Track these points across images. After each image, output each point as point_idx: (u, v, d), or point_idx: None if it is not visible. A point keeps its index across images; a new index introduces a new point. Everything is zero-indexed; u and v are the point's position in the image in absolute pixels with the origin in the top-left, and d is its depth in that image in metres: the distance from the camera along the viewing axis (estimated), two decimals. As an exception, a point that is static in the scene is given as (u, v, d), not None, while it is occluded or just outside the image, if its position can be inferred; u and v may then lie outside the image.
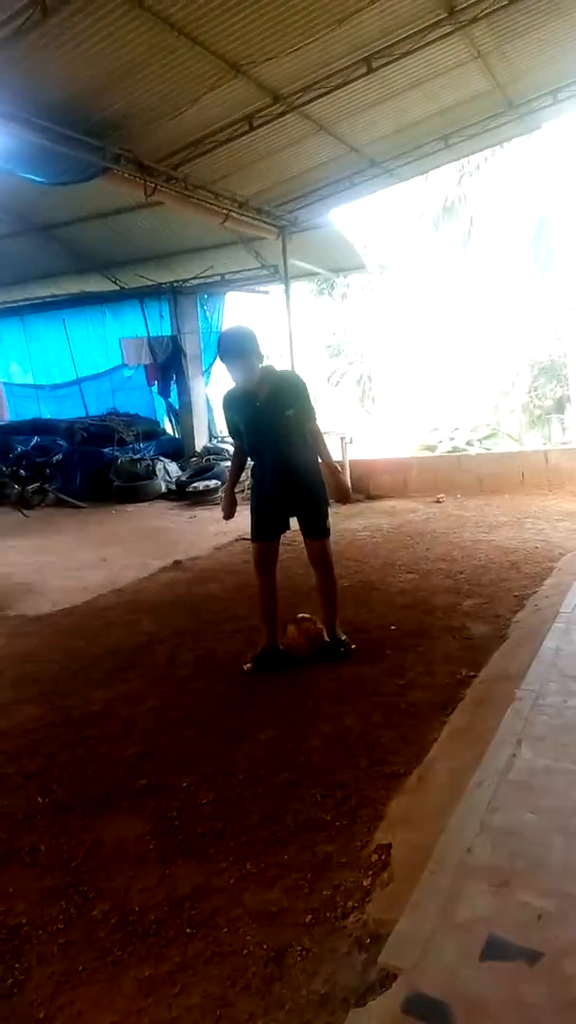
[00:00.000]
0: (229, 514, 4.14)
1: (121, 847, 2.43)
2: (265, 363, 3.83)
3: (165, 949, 1.97)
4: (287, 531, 4.02)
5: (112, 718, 3.45)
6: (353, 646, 3.99)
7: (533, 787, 2.37)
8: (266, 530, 3.96)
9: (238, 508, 4.18)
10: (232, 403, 3.92)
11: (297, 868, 2.24)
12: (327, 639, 3.98)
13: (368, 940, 1.88)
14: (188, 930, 2.03)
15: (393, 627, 4.37)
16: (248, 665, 3.88)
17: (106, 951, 1.98)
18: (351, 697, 3.45)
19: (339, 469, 4.02)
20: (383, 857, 2.23)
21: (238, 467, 4.20)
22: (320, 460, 3.90)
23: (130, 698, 3.66)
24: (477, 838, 2.14)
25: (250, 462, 4.09)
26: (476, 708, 3.21)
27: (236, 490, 4.21)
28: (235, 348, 3.69)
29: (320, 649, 3.94)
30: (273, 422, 3.76)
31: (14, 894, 2.25)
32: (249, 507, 4.04)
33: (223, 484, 10.26)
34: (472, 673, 3.61)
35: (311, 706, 3.39)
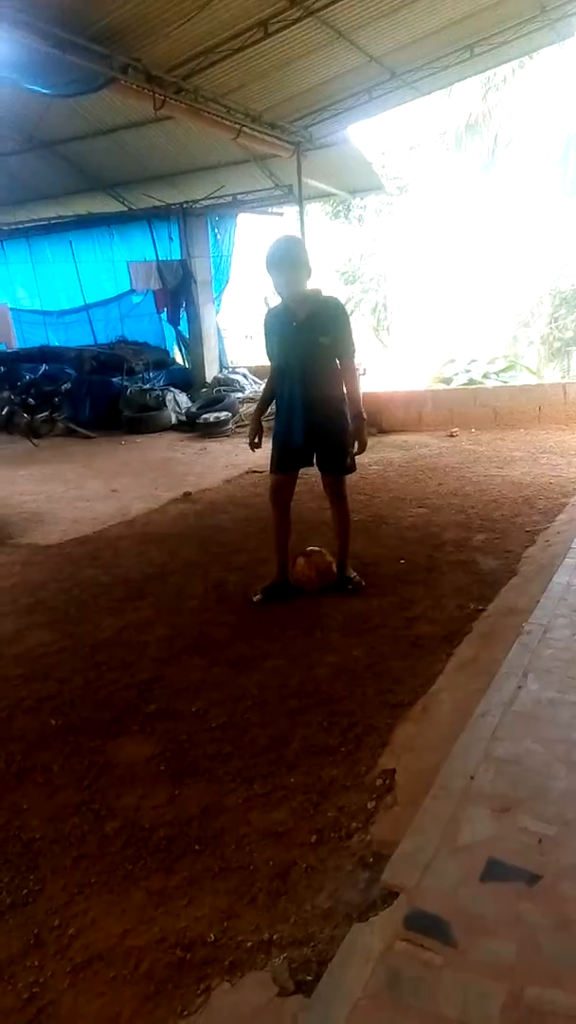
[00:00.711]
0: (255, 443, 4.00)
1: (132, 768, 2.50)
2: (313, 286, 3.67)
3: (174, 864, 2.04)
4: (308, 466, 3.90)
5: (123, 645, 3.50)
6: (363, 583, 3.98)
7: (538, 718, 2.40)
8: (287, 462, 3.86)
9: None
10: (271, 322, 3.78)
11: (303, 790, 2.30)
12: (336, 573, 3.99)
13: (371, 860, 1.94)
14: (197, 847, 2.10)
15: (402, 561, 4.38)
16: (258, 596, 3.90)
17: (118, 865, 2.06)
18: (359, 629, 3.48)
19: (364, 419, 3.83)
20: (387, 782, 2.28)
21: (270, 392, 4.00)
22: (348, 402, 3.75)
23: (140, 626, 3.71)
24: (480, 766, 2.18)
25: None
26: (483, 641, 3.23)
27: (264, 417, 4.06)
28: (288, 256, 3.53)
29: (329, 583, 3.95)
30: (307, 346, 3.61)
31: (28, 810, 2.33)
32: (272, 435, 3.90)
33: (234, 416, 10.18)
34: (480, 607, 3.62)
35: (319, 637, 3.43)
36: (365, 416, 3.85)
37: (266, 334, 3.83)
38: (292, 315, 3.63)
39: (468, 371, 12.19)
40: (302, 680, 3.02)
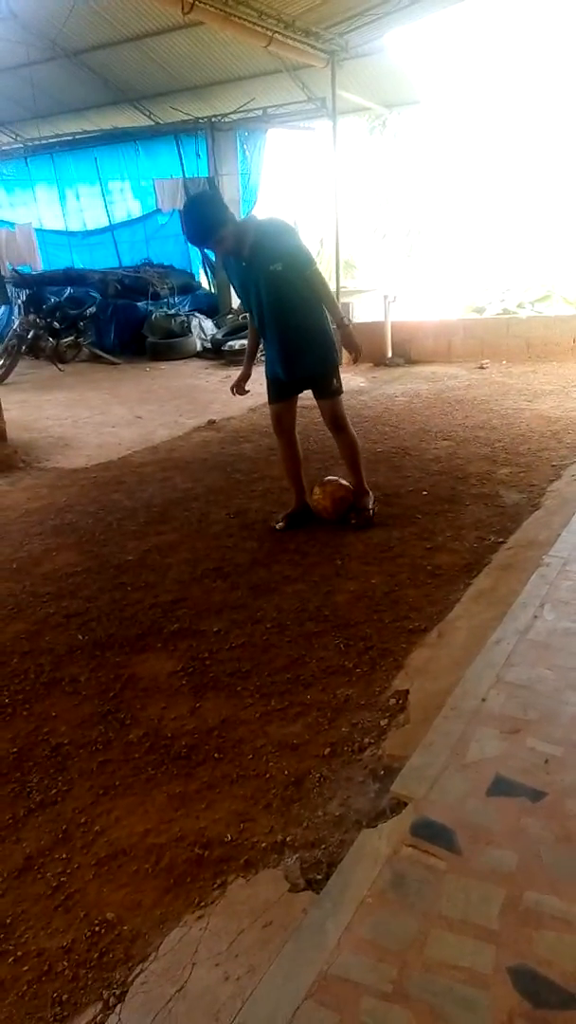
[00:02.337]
0: (236, 389, 3.98)
1: (155, 681, 2.60)
2: (241, 219, 3.55)
3: (194, 770, 2.15)
4: (305, 390, 3.88)
5: (146, 567, 3.58)
6: (372, 517, 3.91)
7: (552, 647, 2.44)
8: (279, 391, 3.85)
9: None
10: (227, 267, 3.72)
11: (318, 707, 2.38)
12: (353, 500, 3.98)
13: (382, 772, 2.02)
14: (216, 755, 2.20)
15: (425, 492, 4.37)
16: (280, 524, 3.93)
17: (141, 769, 2.17)
18: (378, 558, 3.51)
19: (347, 322, 3.76)
20: (400, 702, 2.35)
21: (254, 337, 3.93)
22: (328, 313, 3.66)
23: (164, 549, 3.78)
24: (492, 689, 2.23)
25: None
26: (502, 572, 3.25)
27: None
28: (199, 230, 3.40)
29: (346, 511, 3.96)
30: (261, 280, 3.49)
31: (56, 718, 2.44)
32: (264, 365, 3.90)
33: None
34: (501, 540, 3.63)
35: (339, 564, 3.47)
36: (348, 321, 3.80)
37: (229, 280, 3.75)
38: (240, 257, 3.51)
39: (503, 300, 11.83)
40: (320, 605, 3.08)
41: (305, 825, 1.90)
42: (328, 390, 3.79)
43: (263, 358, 3.94)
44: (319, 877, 1.72)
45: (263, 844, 1.85)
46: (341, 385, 3.85)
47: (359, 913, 1.54)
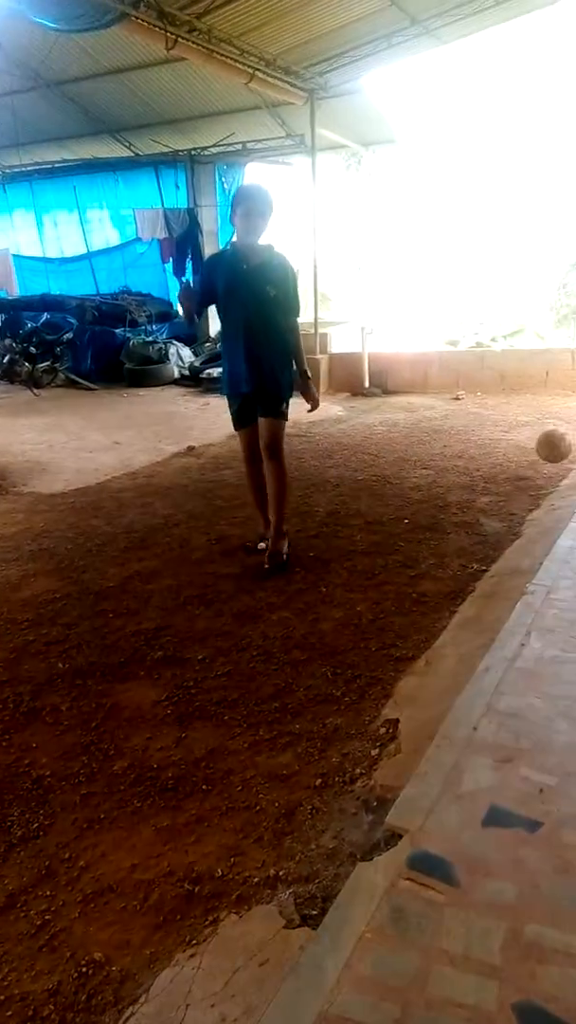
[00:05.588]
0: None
1: (139, 711, 2.54)
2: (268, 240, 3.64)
3: (182, 803, 2.09)
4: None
5: (128, 594, 3.53)
6: (286, 560, 3.77)
7: (541, 675, 2.44)
8: (244, 415, 3.84)
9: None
10: (217, 264, 3.75)
11: (308, 737, 2.34)
12: (270, 543, 3.82)
13: (375, 803, 1.99)
14: (204, 787, 2.14)
15: (407, 520, 4.39)
16: (262, 545, 3.91)
17: (126, 802, 2.11)
18: (363, 585, 3.51)
19: (310, 375, 3.87)
20: (391, 731, 2.33)
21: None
22: (295, 360, 3.76)
23: (145, 576, 3.73)
24: (483, 718, 2.22)
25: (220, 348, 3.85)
26: (486, 600, 3.26)
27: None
28: (266, 199, 3.52)
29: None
30: (254, 292, 3.57)
31: (38, 749, 2.37)
32: (224, 394, 3.93)
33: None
34: (484, 567, 3.65)
35: (324, 592, 3.45)
36: (311, 375, 3.88)
37: (208, 276, 3.76)
38: (242, 259, 3.58)
39: (476, 333, 12.07)
40: (306, 632, 3.05)
41: (298, 859, 1.86)
42: (276, 409, 3.76)
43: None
44: (315, 912, 1.68)
45: (255, 879, 1.81)
46: (286, 412, 3.81)
47: (358, 950, 1.50)
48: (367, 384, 9.04)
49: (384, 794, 2.01)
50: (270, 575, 3.67)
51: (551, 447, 5.14)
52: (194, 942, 1.65)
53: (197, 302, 3.84)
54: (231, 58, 7.64)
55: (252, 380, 3.70)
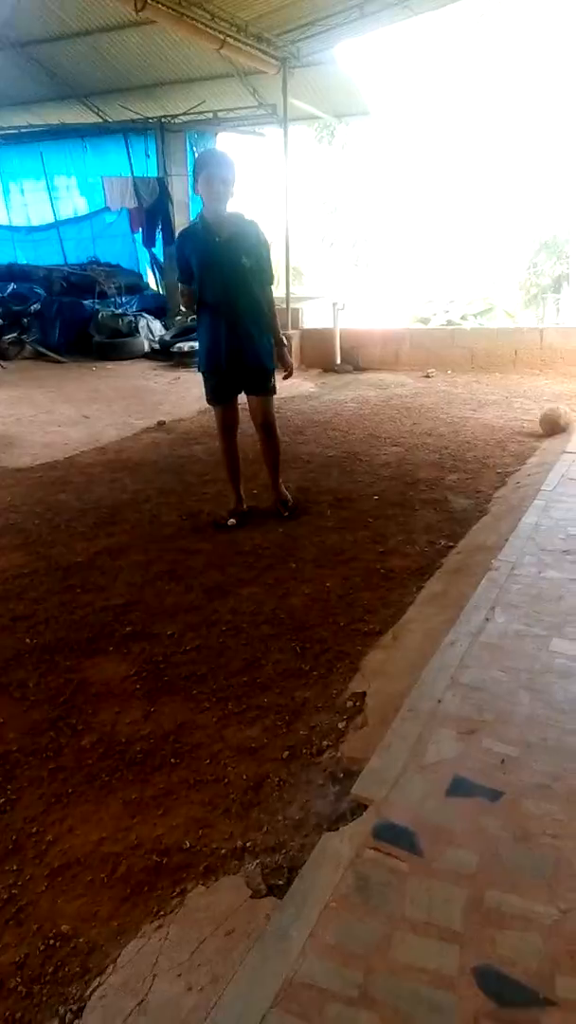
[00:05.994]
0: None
1: (108, 686, 2.53)
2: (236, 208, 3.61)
3: (150, 776, 2.10)
4: (240, 392, 3.94)
5: (96, 569, 3.50)
6: (296, 507, 4.09)
7: (504, 649, 2.48)
8: (222, 391, 3.87)
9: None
10: (190, 239, 3.67)
11: (275, 710, 2.36)
12: (277, 496, 4.09)
13: (341, 775, 2.02)
14: (172, 760, 2.15)
15: (376, 497, 4.41)
16: (232, 520, 3.96)
17: (94, 776, 2.11)
18: (332, 561, 3.52)
19: (285, 342, 3.93)
20: (357, 704, 2.35)
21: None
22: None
23: (114, 551, 3.70)
24: (447, 691, 2.25)
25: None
26: (453, 576, 3.30)
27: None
28: (224, 164, 3.49)
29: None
30: (230, 264, 3.55)
31: (4, 724, 2.35)
32: (200, 371, 3.93)
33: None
34: (451, 544, 3.68)
35: (293, 567, 3.46)
36: (286, 342, 3.94)
37: (180, 253, 3.71)
38: (214, 233, 3.55)
39: (447, 311, 12.09)
40: (276, 607, 3.06)
41: (265, 830, 1.88)
42: (265, 387, 3.87)
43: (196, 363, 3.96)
44: (281, 882, 1.70)
45: (222, 850, 1.82)
46: (275, 387, 3.94)
47: (323, 918, 1.52)
48: (339, 361, 9.01)
49: (350, 766, 2.04)
50: (293, 516, 4.00)
51: (551, 424, 5.71)
52: (161, 913, 1.66)
53: (193, 294, 3.79)
54: (202, 22, 7.44)
55: (234, 356, 3.70)
